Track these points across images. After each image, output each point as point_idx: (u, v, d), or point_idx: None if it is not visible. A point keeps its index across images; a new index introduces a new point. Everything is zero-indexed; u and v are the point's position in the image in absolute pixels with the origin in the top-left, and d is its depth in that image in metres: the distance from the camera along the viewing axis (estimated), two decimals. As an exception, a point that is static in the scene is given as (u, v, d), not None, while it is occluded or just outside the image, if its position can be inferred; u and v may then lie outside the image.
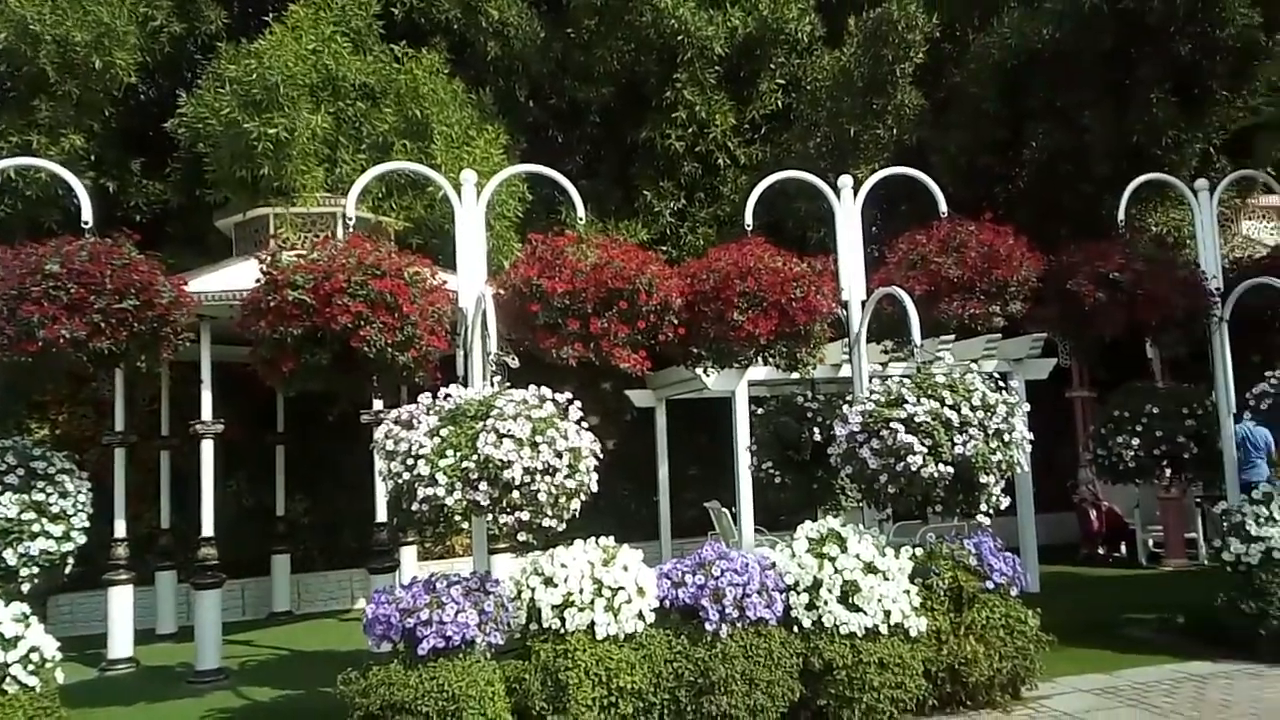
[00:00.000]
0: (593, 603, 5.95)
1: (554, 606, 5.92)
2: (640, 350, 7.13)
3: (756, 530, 10.15)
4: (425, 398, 6.04)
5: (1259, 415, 7.84)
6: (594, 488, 6.46)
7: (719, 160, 12.23)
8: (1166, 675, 6.92)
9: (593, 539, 6.40)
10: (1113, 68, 11.00)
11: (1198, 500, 11.68)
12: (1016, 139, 11.83)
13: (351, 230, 7.01)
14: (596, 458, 6.46)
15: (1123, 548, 12.64)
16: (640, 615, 6.02)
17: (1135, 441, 8.52)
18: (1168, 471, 9.06)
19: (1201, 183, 8.64)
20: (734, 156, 12.37)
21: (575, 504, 6.12)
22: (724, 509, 11.09)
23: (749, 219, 7.90)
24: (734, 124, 12.18)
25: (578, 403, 6.54)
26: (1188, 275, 8.13)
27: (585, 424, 6.46)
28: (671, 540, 12.00)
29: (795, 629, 6.23)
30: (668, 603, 6.23)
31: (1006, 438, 6.53)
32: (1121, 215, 8.54)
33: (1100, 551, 12.60)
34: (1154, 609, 8.78)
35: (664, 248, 12.11)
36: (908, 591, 6.39)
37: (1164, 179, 9.12)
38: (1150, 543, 12.35)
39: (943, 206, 8.08)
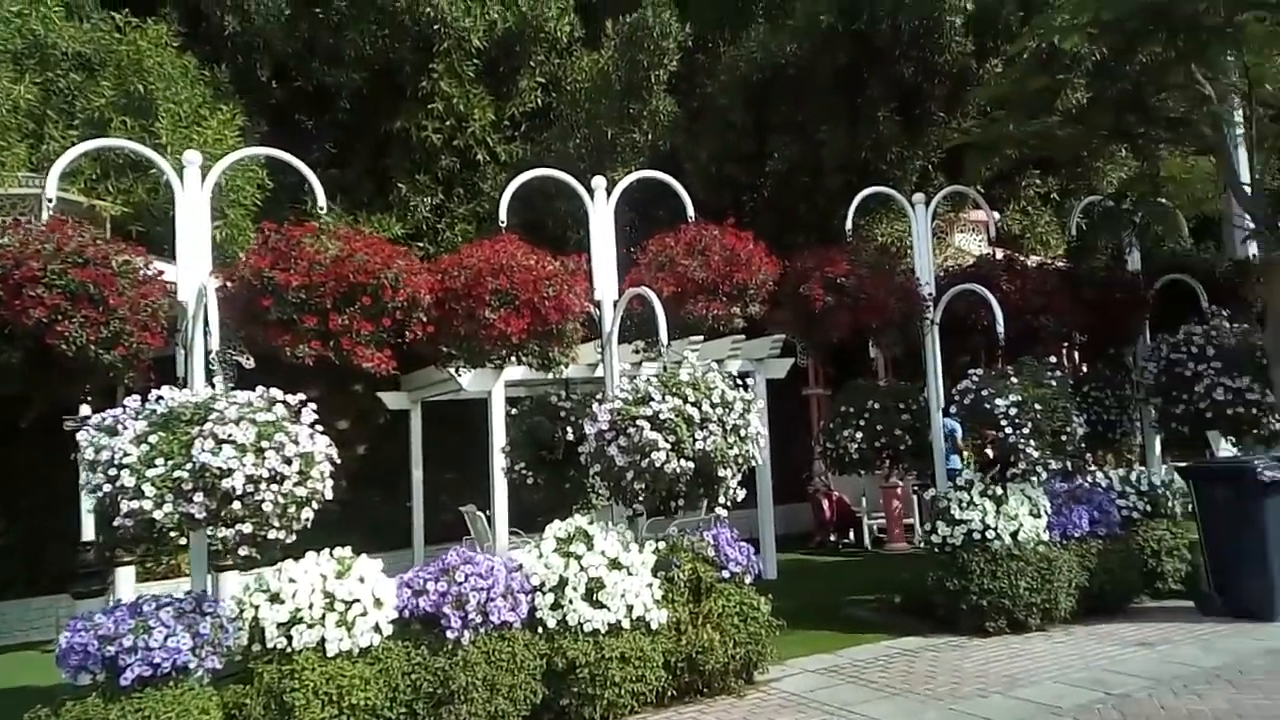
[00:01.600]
0: (324, 618, 5.64)
1: (280, 624, 5.55)
2: (385, 349, 6.86)
3: (512, 532, 10.09)
4: (133, 401, 5.49)
5: (963, 410, 8.65)
6: (329, 495, 6.12)
7: (478, 156, 12.03)
8: (882, 651, 7.50)
9: (327, 550, 6.07)
10: (846, 86, 11.83)
11: (915, 488, 12.81)
12: (761, 150, 12.45)
13: (53, 213, 6.26)
14: (332, 463, 6.14)
15: (851, 534, 13.65)
16: (377, 628, 5.79)
17: (859, 435, 9.19)
18: (888, 462, 9.89)
19: (918, 197, 9.44)
20: (494, 153, 12.20)
21: (307, 514, 5.79)
22: (479, 512, 10.94)
23: (503, 215, 7.81)
24: (494, 120, 12.01)
25: (312, 405, 6.21)
26: (904, 281, 8.85)
27: (321, 428, 6.13)
28: (426, 547, 11.70)
29: (540, 630, 6.21)
30: (408, 612, 6.02)
31: (743, 433, 6.82)
32: (849, 225, 9.16)
33: (831, 539, 13.55)
34: (876, 590, 9.50)
35: (421, 243, 11.77)
36: (650, 585, 6.53)
37: (886, 192, 9.89)
38: (875, 529, 13.42)
39: (690, 211, 8.34)
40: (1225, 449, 10.29)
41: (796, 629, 7.89)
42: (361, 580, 5.88)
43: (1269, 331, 9.38)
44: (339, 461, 6.35)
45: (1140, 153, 11.71)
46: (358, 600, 5.76)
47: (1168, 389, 9.71)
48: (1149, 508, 8.82)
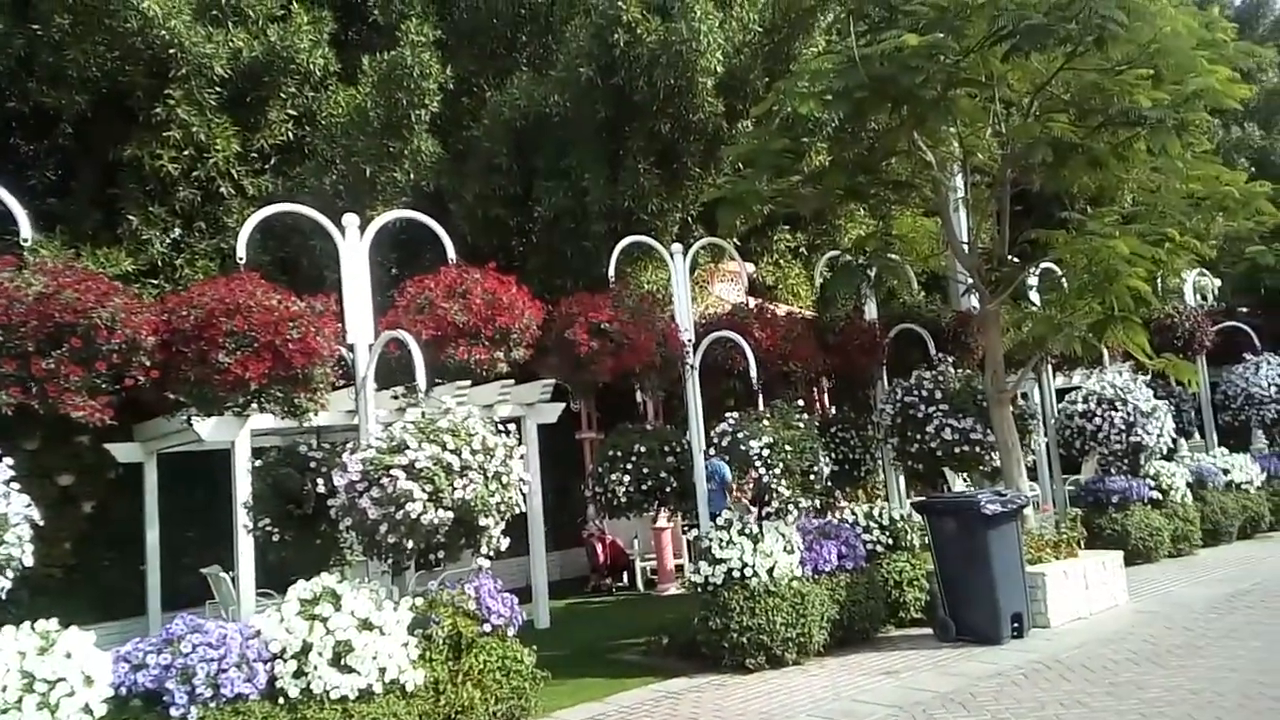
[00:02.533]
0: (20, 701, 4.94)
1: (-37, 714, 4.78)
2: (100, 396, 6.17)
3: (262, 594, 9.31)
4: None
5: (721, 452, 8.91)
6: (29, 561, 5.45)
7: (222, 188, 11.21)
8: (649, 696, 7.46)
9: (28, 624, 5.32)
10: (608, 137, 12.09)
11: (685, 529, 13.06)
12: (528, 194, 12.46)
13: None
14: (34, 525, 5.45)
15: (625, 577, 13.71)
16: (87, 709, 5.11)
17: (626, 478, 9.26)
18: (656, 504, 10.01)
19: (677, 247, 9.75)
20: (240, 186, 11.43)
21: (2, 583, 5.08)
22: (224, 574, 10.04)
23: (242, 251, 7.30)
24: (240, 151, 11.26)
25: (9, 461, 5.49)
26: (665, 327, 9.07)
27: (19, 485, 5.41)
28: (164, 613, 10.57)
29: (281, 700, 5.70)
30: (126, 689, 5.36)
31: (505, 480, 6.67)
32: (612, 272, 9.31)
33: (606, 582, 13.54)
34: (647, 632, 9.49)
35: (156, 281, 10.78)
36: (406, 645, 6.18)
37: (648, 241, 10.14)
38: (648, 570, 13.55)
39: (450, 253, 8.17)
40: (960, 484, 11.24)
41: (566, 678, 7.78)
42: (69, 656, 5.18)
43: (987, 376, 10.38)
44: (42, 523, 5.65)
45: (874, 212, 12.72)
46: (63, 679, 5.08)
47: (903, 429, 10.49)
48: (891, 541, 9.37)
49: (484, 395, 9.77)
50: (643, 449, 9.41)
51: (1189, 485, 12.89)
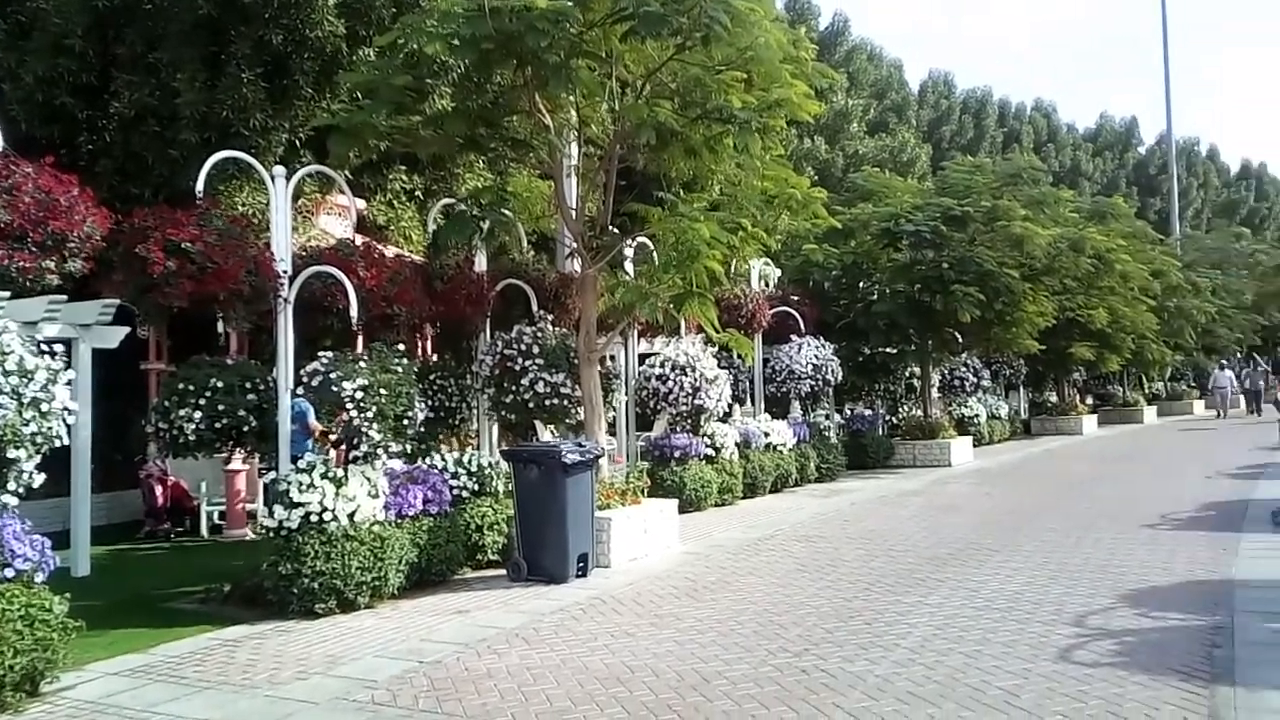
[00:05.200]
0: None
1: None
2: None
3: None
4: None
5: (310, 391, 8.54)
6: None
7: None
8: (203, 645, 6.99)
9: None
10: (209, 37, 10.91)
11: (261, 472, 12.34)
12: (105, 86, 10.87)
13: None
14: None
15: (188, 522, 12.66)
16: None
17: (197, 415, 8.53)
18: (231, 444, 9.34)
19: (279, 170, 9.08)
20: None
21: None
22: None
23: None
24: None
25: None
26: (258, 254, 8.44)
27: None
28: None
29: None
30: None
31: (44, 408, 5.85)
32: (201, 187, 8.44)
33: (164, 527, 12.40)
34: (208, 580, 8.88)
35: None
36: (-105, 595, 5.20)
37: (246, 159, 9.33)
38: (216, 515, 12.62)
39: (-2, 139, 6.93)
40: (548, 435, 11.81)
41: (107, 628, 7.12)
42: None
43: (581, 336, 11.01)
44: None
45: (493, 166, 12.83)
46: None
47: (500, 380, 10.83)
48: (478, 487, 9.61)
49: (26, 310, 8.44)
50: (219, 384, 8.70)
51: (737, 445, 14.75)
